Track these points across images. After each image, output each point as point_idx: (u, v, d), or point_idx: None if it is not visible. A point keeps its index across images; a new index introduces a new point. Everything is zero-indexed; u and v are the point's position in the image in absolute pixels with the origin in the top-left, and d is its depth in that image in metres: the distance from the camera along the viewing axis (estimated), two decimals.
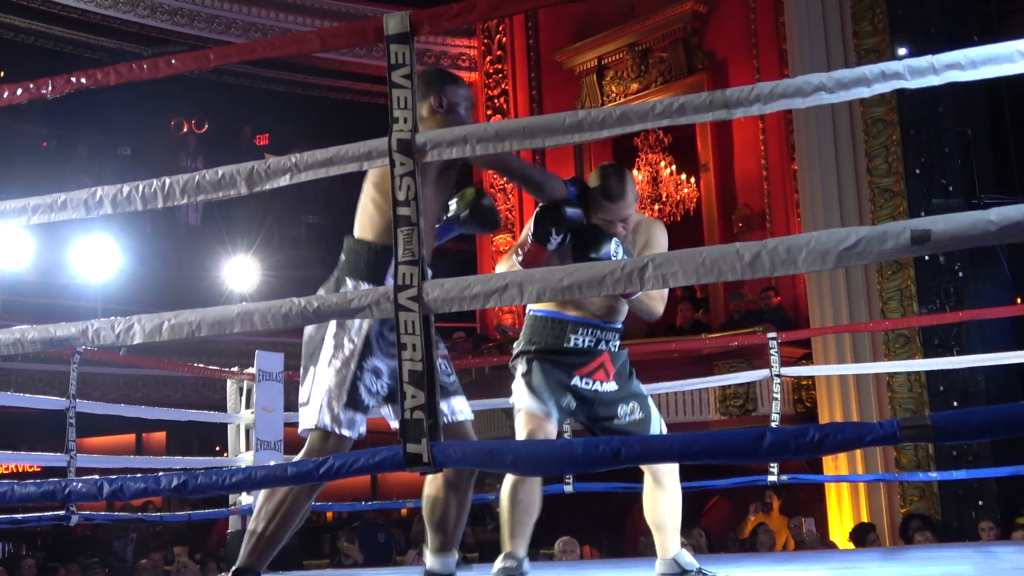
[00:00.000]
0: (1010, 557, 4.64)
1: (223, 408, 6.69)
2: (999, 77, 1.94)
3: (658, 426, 3.66)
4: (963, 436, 1.85)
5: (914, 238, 1.83)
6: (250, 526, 2.89)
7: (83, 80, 2.38)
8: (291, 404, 8.20)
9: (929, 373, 9.19)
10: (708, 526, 10.02)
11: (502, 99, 14.89)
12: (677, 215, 13.19)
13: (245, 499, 6.27)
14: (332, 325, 2.95)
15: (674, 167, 13.35)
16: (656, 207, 13.29)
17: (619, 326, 3.63)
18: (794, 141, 11.38)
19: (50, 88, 2.39)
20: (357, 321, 2.93)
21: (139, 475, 2.20)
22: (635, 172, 13.49)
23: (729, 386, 10.23)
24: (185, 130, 15.19)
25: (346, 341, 2.93)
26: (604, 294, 1.99)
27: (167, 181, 2.30)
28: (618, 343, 3.64)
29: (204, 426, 7.39)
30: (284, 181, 2.26)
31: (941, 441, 1.84)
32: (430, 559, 3.19)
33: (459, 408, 3.24)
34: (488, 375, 12.16)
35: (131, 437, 14.76)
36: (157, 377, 12.50)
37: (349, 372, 2.92)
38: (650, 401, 3.67)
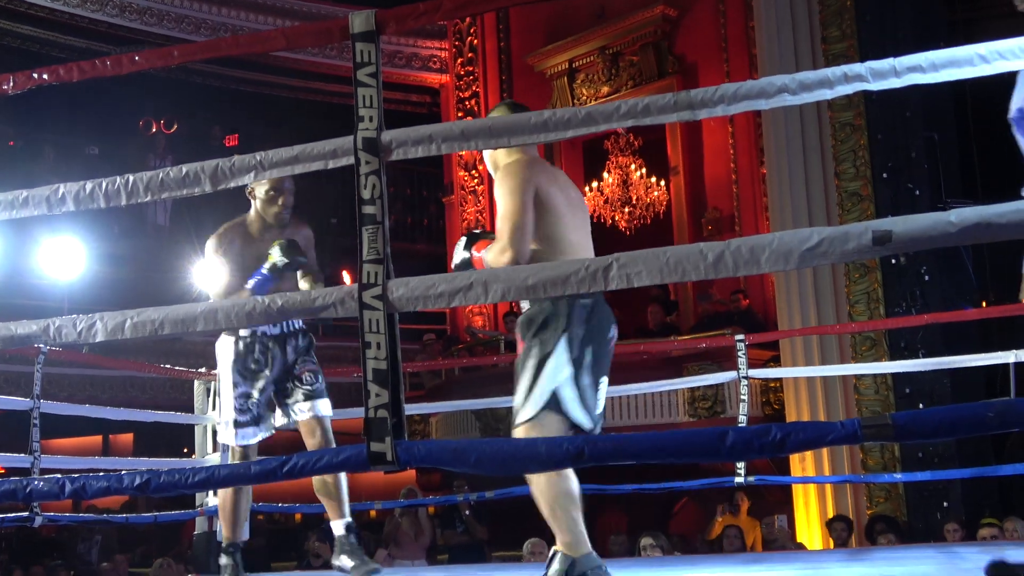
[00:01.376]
0: (974, 557, 4.68)
1: (191, 410, 6.65)
2: (964, 82, 1.96)
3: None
4: (924, 435, 1.86)
5: (875, 239, 1.84)
6: None
7: (45, 76, 2.36)
8: None
9: (896, 375, 9.26)
10: (677, 528, 10.06)
11: (473, 101, 14.89)
12: (647, 218, 13.24)
13: (212, 500, 6.23)
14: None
15: (644, 170, 13.40)
16: (626, 210, 13.34)
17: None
18: (763, 145, 11.45)
19: (11, 84, 2.37)
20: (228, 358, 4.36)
21: (102, 474, 2.19)
22: (605, 175, 13.54)
23: (698, 388, 10.27)
24: (154, 130, 15.09)
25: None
26: (568, 293, 1.99)
27: (131, 178, 2.29)
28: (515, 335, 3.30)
29: (171, 427, 7.34)
30: (249, 179, 2.25)
31: (902, 440, 1.86)
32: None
33: (322, 407, 4.47)
34: (458, 376, 12.15)
35: (98, 439, 14.65)
36: (124, 378, 12.42)
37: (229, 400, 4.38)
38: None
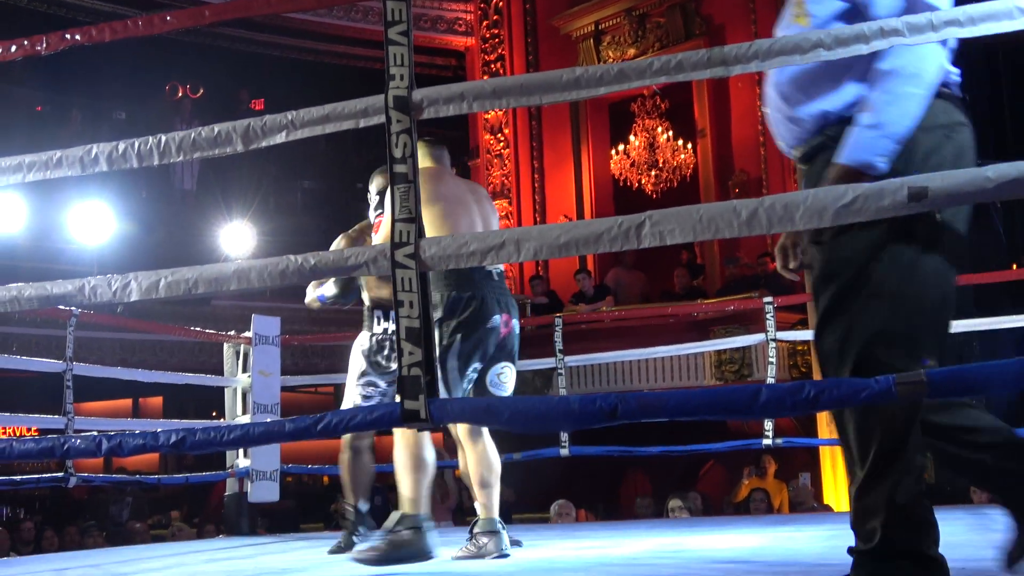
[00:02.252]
0: (1002, 519, 4.67)
1: (220, 373, 6.70)
2: (997, 41, 1.93)
3: None
4: (958, 392, 1.86)
5: (911, 195, 1.83)
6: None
7: (78, 37, 2.36)
8: (287, 368, 8.23)
9: None
10: (704, 490, 10.07)
11: (498, 64, 14.82)
12: (674, 181, 13.17)
13: (242, 462, 6.30)
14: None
15: (671, 133, 13.32)
16: (653, 173, 13.27)
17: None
18: None
19: (45, 45, 2.38)
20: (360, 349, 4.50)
21: (137, 431, 2.21)
22: (632, 138, 13.47)
23: (725, 351, 10.25)
24: (180, 95, 15.11)
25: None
26: (601, 251, 1.99)
27: (163, 138, 2.29)
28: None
29: (201, 390, 7.40)
30: (280, 138, 2.25)
31: (936, 397, 1.85)
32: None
33: None
34: None
35: (128, 402, 14.79)
36: (154, 342, 12.51)
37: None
38: None
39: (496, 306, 3.64)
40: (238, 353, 6.56)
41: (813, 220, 1.88)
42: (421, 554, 3.43)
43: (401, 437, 3.59)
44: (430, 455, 3.59)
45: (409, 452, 3.56)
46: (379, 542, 3.45)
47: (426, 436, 3.61)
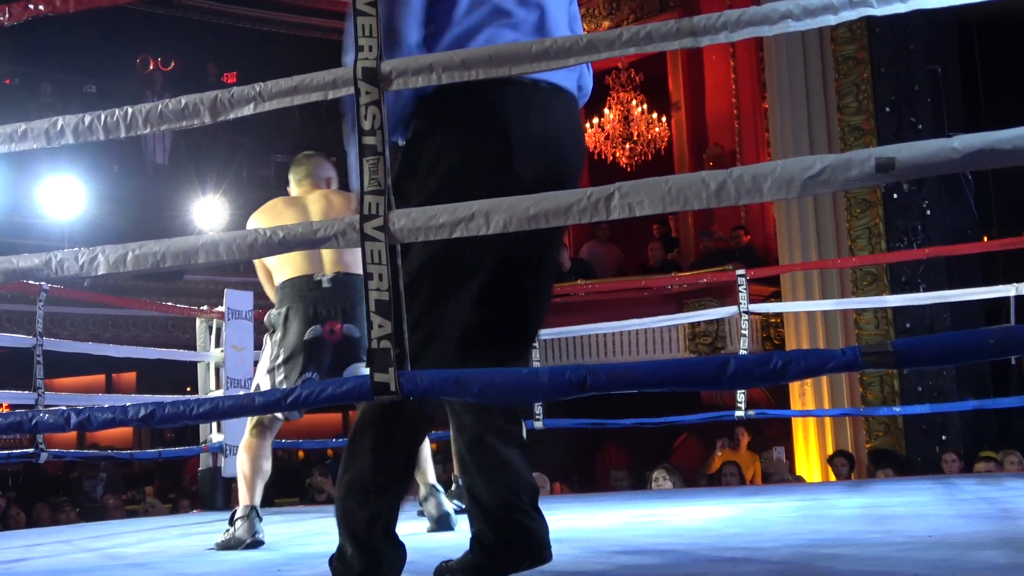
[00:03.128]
0: (970, 488, 4.73)
1: (194, 348, 6.68)
2: (970, 14, 1.93)
3: None
4: (925, 362, 1.86)
5: (878, 166, 1.83)
6: None
7: (41, 7, 2.33)
8: (261, 342, 8.18)
9: (896, 310, 9.28)
10: (678, 462, 10.14)
11: None
12: (648, 154, 13.18)
13: (216, 437, 6.29)
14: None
15: (645, 106, 13.31)
16: (627, 146, 13.27)
17: None
18: (765, 80, 11.36)
19: (7, 16, 2.34)
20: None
21: (106, 406, 2.20)
22: (606, 110, 13.45)
23: (698, 324, 10.29)
24: (151, 68, 14.98)
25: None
26: (571, 223, 1.99)
27: (129, 110, 2.27)
28: None
29: (174, 366, 7.38)
30: (248, 110, 2.23)
31: (903, 367, 1.86)
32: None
33: None
34: None
35: (100, 377, 14.72)
36: (127, 317, 12.45)
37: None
38: None
39: (314, 316, 3.75)
40: (211, 328, 6.53)
41: (781, 191, 1.88)
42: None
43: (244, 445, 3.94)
44: (268, 464, 3.95)
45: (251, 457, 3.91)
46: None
47: (267, 447, 3.96)
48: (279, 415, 3.83)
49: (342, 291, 3.78)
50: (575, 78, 2.47)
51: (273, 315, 3.86)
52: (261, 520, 3.75)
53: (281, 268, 3.85)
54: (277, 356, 3.82)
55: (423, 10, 2.34)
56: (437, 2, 2.35)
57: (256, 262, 4.03)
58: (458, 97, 2.31)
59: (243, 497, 3.84)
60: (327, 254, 3.80)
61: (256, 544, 3.64)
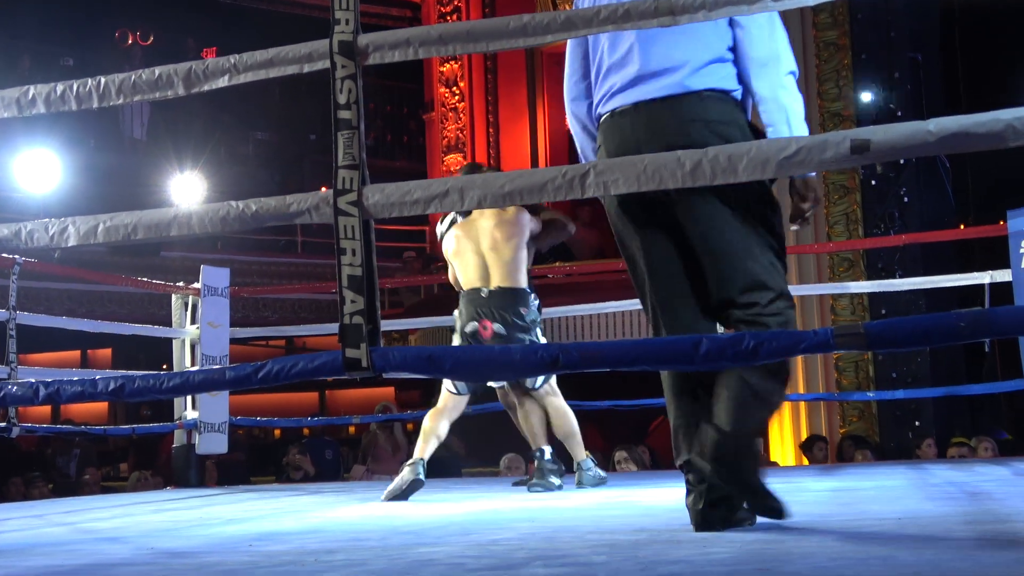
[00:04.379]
0: (942, 473, 4.76)
1: (170, 325, 6.64)
2: (952, 3, 1.93)
3: None
4: (896, 344, 1.87)
5: (854, 147, 1.83)
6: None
7: None
8: (239, 320, 8.15)
9: (872, 296, 9.32)
10: (654, 445, 10.16)
11: (454, 16, 14.66)
12: None
13: (190, 414, 6.26)
14: None
15: None
16: None
17: None
18: None
19: None
20: None
21: (76, 378, 2.19)
22: None
23: None
24: (130, 42, 14.85)
25: None
26: (545, 200, 1.99)
27: (102, 80, 2.25)
28: None
29: (151, 343, 7.35)
30: (223, 82, 2.21)
31: (874, 348, 1.87)
32: None
33: None
34: (438, 293, 12.17)
35: (76, 353, 14.63)
36: (103, 293, 12.37)
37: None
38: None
39: (475, 315, 4.81)
40: (186, 304, 6.50)
41: (756, 172, 1.88)
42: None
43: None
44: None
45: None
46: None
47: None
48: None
49: (498, 300, 4.82)
50: (677, 81, 2.45)
51: (455, 314, 4.98)
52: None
53: (462, 280, 4.94)
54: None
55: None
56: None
57: (451, 272, 5.08)
58: None
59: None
60: (494, 273, 4.85)
61: None
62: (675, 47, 2.43)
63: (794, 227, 2.63)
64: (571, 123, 2.67)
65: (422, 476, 4.57)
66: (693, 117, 2.40)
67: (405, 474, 4.57)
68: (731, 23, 2.47)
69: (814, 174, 2.44)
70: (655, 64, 2.45)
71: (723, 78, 2.48)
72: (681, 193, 2.26)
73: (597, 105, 2.57)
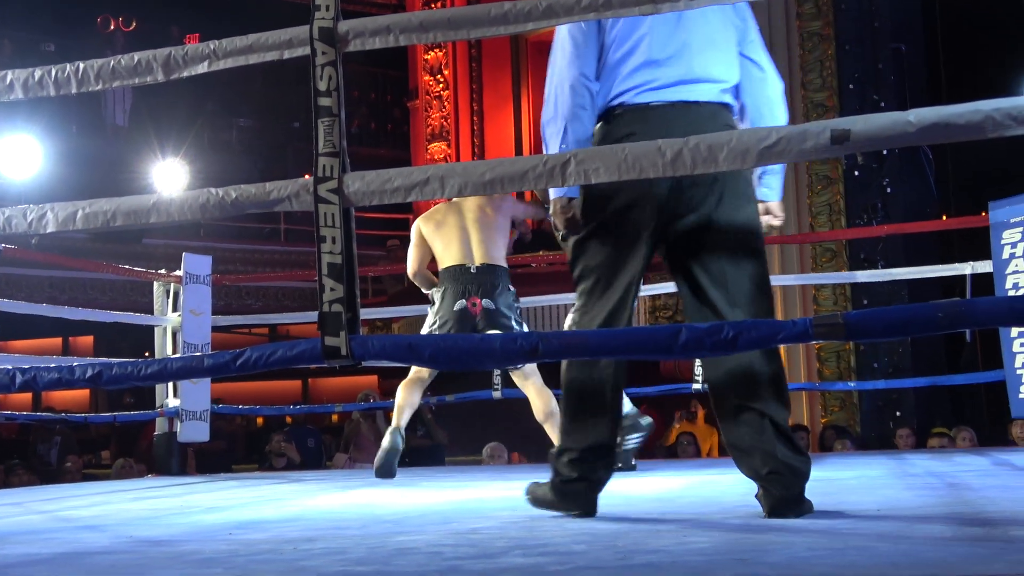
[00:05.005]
0: (922, 463, 4.79)
1: (152, 312, 6.61)
2: None
3: None
4: (874, 334, 1.88)
5: (834, 137, 1.83)
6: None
7: None
8: (221, 308, 8.11)
9: (854, 286, 9.36)
10: None
11: (438, 4, 14.64)
12: None
13: (172, 402, 6.25)
14: None
15: None
16: None
17: None
18: None
19: None
20: None
21: (53, 365, 2.17)
22: None
23: (659, 297, 10.32)
24: (112, 28, 14.76)
25: None
26: (526, 189, 1.98)
27: (81, 66, 2.23)
28: None
29: (133, 330, 7.31)
30: (202, 68, 2.20)
31: (853, 339, 1.87)
32: None
33: None
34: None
35: (57, 341, 14.56)
36: (84, 280, 12.32)
37: None
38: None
39: (463, 292, 4.78)
40: (168, 291, 6.47)
41: (736, 161, 1.88)
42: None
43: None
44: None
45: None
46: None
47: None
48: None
49: (485, 276, 4.79)
50: (716, 92, 2.68)
51: (434, 292, 4.91)
52: None
53: (443, 257, 4.88)
54: (434, 323, 4.88)
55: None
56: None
57: (416, 245, 5.02)
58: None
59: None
60: (476, 250, 4.82)
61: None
62: (716, 63, 2.68)
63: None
64: (572, 98, 2.54)
65: (399, 444, 4.82)
66: (728, 123, 2.62)
67: (384, 443, 4.85)
68: (745, 56, 2.79)
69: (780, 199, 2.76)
70: (699, 72, 2.63)
71: (734, 100, 2.76)
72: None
73: (621, 94, 2.60)
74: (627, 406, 4.85)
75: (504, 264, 4.94)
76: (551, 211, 2.65)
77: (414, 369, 4.99)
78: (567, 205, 2.58)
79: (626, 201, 2.52)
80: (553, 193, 2.57)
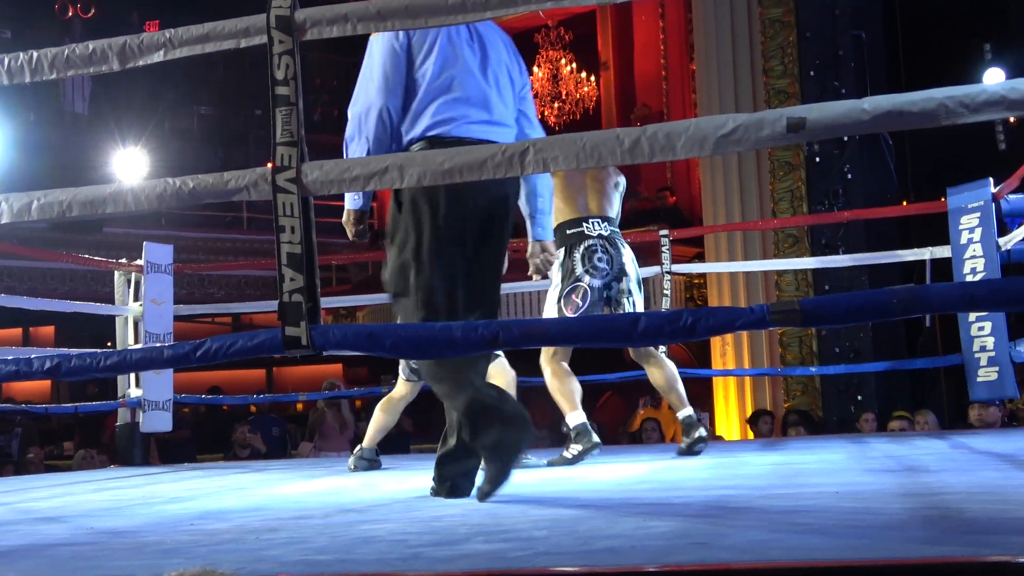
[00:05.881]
0: (881, 447, 4.84)
1: (113, 302, 6.56)
2: None
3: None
4: (831, 320, 1.90)
5: (790, 125, 1.85)
6: None
7: None
8: (184, 298, 8.05)
9: (816, 272, 9.43)
10: (601, 419, 10.24)
11: None
12: (576, 113, 13.18)
13: (133, 392, 6.20)
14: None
15: (574, 65, 13.29)
16: (556, 105, 13.26)
17: None
18: (693, 41, 11.40)
19: None
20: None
21: (10, 357, 2.16)
22: (535, 69, 13.41)
23: None
24: (70, 14, 14.59)
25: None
26: (485, 178, 1.98)
27: (35, 54, 2.21)
28: None
29: (95, 320, 7.24)
30: (158, 57, 2.18)
31: (809, 325, 1.89)
32: None
33: None
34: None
35: (17, 331, 14.42)
36: (43, 269, 12.19)
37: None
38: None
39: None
40: (129, 281, 6.42)
41: (694, 150, 1.89)
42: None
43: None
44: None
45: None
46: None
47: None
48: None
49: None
50: (510, 136, 2.97)
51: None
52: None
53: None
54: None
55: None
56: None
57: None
58: None
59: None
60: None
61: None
62: (507, 112, 3.04)
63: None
64: (377, 126, 2.81)
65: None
66: None
67: (350, 464, 4.99)
68: (521, 111, 3.12)
69: (552, 239, 3.21)
70: (498, 116, 2.98)
71: None
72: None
73: (437, 124, 2.85)
74: (580, 418, 4.67)
75: None
76: (343, 219, 2.99)
77: (398, 387, 4.91)
78: (360, 217, 3.01)
79: (447, 212, 2.78)
80: (348, 203, 2.93)
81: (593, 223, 4.72)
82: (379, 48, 2.92)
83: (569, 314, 4.48)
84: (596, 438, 4.60)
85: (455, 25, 2.53)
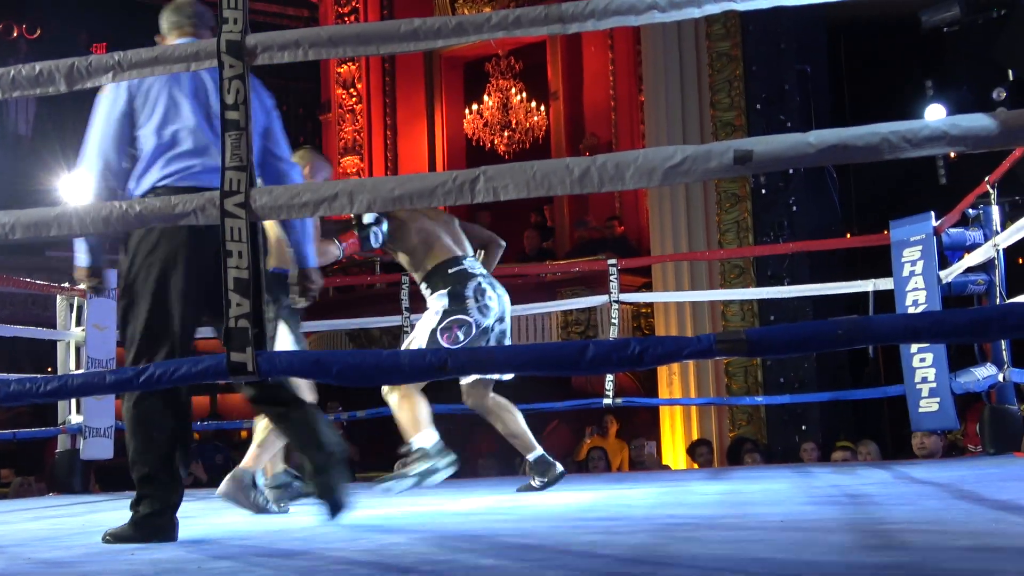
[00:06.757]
0: (825, 476, 4.88)
1: (54, 326, 6.46)
2: (838, 17, 1.99)
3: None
4: (776, 350, 1.92)
5: (737, 158, 1.87)
6: None
7: None
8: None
9: (762, 302, 9.52)
10: (548, 449, 10.22)
11: (352, 17, 14.58)
12: (526, 143, 13.23)
13: (74, 418, 6.11)
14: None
15: (524, 94, 13.36)
16: (505, 134, 13.30)
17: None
18: (642, 73, 11.51)
19: None
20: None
21: None
22: (486, 98, 13.46)
23: (571, 312, 10.39)
24: (15, 35, 14.42)
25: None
26: (436, 204, 1.98)
27: None
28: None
29: (36, 345, 7.14)
30: (107, 80, 2.17)
31: (755, 355, 1.91)
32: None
33: None
34: (333, 296, 12.07)
35: None
36: None
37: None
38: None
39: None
40: (72, 305, 6.34)
41: (643, 180, 1.91)
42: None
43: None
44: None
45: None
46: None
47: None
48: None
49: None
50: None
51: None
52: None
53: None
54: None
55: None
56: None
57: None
58: None
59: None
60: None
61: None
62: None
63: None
64: (99, 180, 2.97)
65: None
66: None
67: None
68: (272, 152, 3.07)
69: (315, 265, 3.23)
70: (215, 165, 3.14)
71: None
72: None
73: (167, 176, 2.91)
74: (433, 438, 4.46)
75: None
76: (75, 274, 3.22)
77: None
78: (93, 274, 3.27)
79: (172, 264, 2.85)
80: (77, 260, 3.17)
81: (470, 262, 4.66)
82: (102, 111, 2.97)
83: (446, 344, 4.35)
84: (446, 460, 4.45)
85: (180, 77, 2.65)
